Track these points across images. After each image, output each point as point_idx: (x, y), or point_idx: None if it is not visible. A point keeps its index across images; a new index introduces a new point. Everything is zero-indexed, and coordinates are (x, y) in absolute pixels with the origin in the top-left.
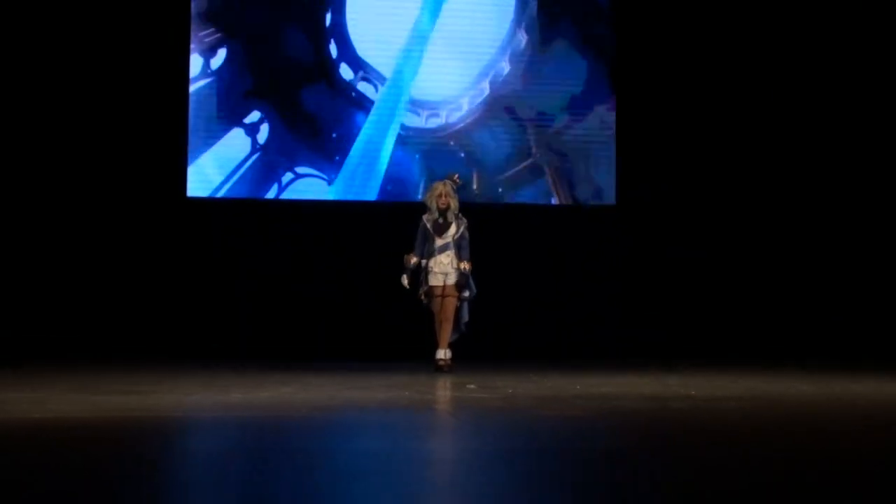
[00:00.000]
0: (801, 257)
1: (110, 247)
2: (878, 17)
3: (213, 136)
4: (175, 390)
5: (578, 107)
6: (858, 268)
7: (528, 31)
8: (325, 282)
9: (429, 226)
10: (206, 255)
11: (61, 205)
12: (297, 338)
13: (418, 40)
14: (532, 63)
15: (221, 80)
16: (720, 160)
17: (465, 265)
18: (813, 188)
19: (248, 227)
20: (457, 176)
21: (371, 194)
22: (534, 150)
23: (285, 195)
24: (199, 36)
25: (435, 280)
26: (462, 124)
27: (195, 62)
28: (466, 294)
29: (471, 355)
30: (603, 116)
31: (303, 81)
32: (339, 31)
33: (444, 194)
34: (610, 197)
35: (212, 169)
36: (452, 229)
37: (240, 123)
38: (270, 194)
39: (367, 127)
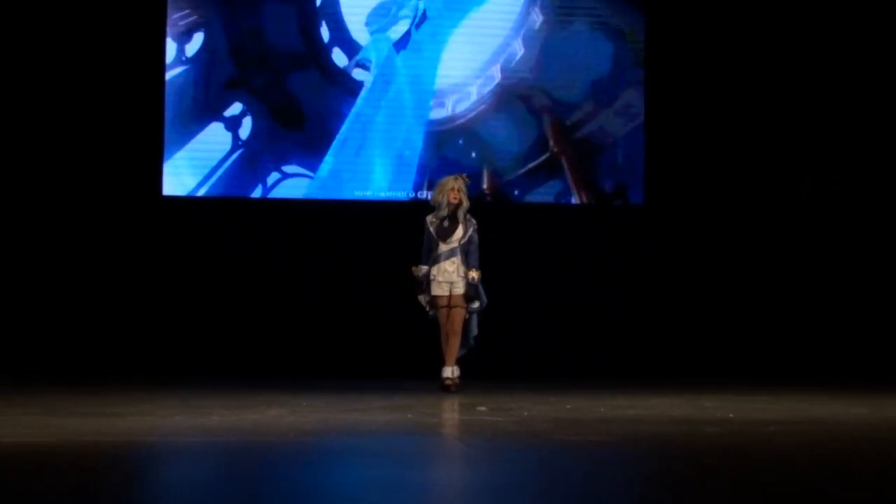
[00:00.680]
0: (848, 265)
1: (76, 252)
2: None
3: (188, 132)
4: (150, 412)
5: (602, 94)
6: None
7: (543, 10)
8: (318, 290)
9: (432, 229)
10: (184, 260)
11: (23, 208)
12: (287, 353)
13: (420, 21)
14: (548, 45)
15: (197, 69)
16: (764, 155)
17: (474, 274)
18: (875, 187)
19: (231, 229)
20: (465, 176)
21: (367, 194)
22: (551, 143)
23: (271, 196)
24: (173, 19)
25: (439, 289)
26: (470, 115)
27: (168, 49)
28: (476, 305)
29: (481, 373)
30: (630, 105)
31: (290, 69)
32: (332, 12)
33: (456, 188)
34: (637, 195)
35: (188, 167)
36: (459, 232)
37: (219, 117)
38: (255, 195)
39: (361, 119)
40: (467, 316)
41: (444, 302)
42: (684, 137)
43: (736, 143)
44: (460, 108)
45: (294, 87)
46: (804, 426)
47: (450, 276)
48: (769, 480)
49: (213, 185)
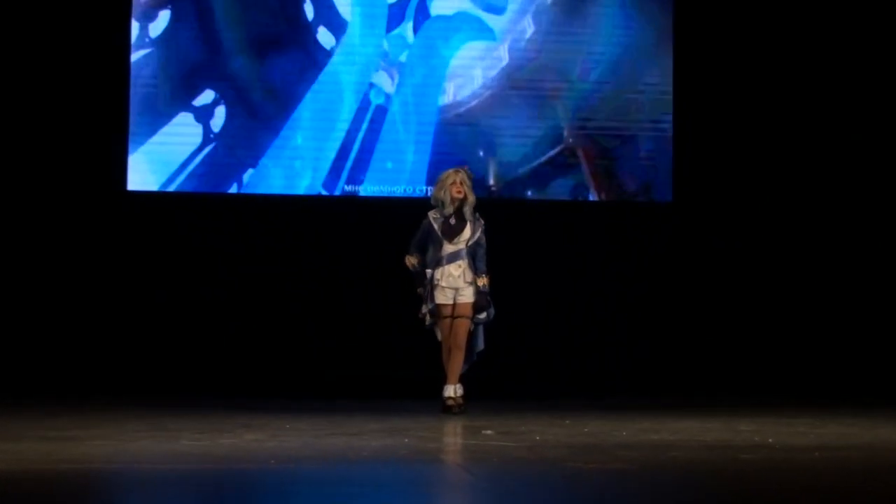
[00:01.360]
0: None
1: (31, 252)
2: None
3: (154, 122)
4: (113, 436)
5: (623, 77)
6: None
7: None
8: (302, 296)
9: (436, 227)
10: (150, 262)
11: None
12: (267, 368)
13: None
14: (561, 23)
15: (163, 52)
16: (808, 149)
17: (483, 281)
18: None
19: (203, 227)
20: (467, 168)
21: (359, 190)
22: (566, 133)
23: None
24: None
25: (443, 297)
26: (474, 102)
27: (130, 29)
28: (483, 316)
29: (488, 392)
30: (656, 89)
31: (269, 51)
32: None
33: (458, 181)
34: (664, 191)
35: (155, 162)
36: (467, 232)
37: (187, 106)
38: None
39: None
40: (472, 328)
41: (448, 311)
42: (719, 125)
43: (781, 132)
44: (463, 94)
45: (273, 71)
46: (853, 452)
47: (455, 281)
48: None
49: (183, 184)
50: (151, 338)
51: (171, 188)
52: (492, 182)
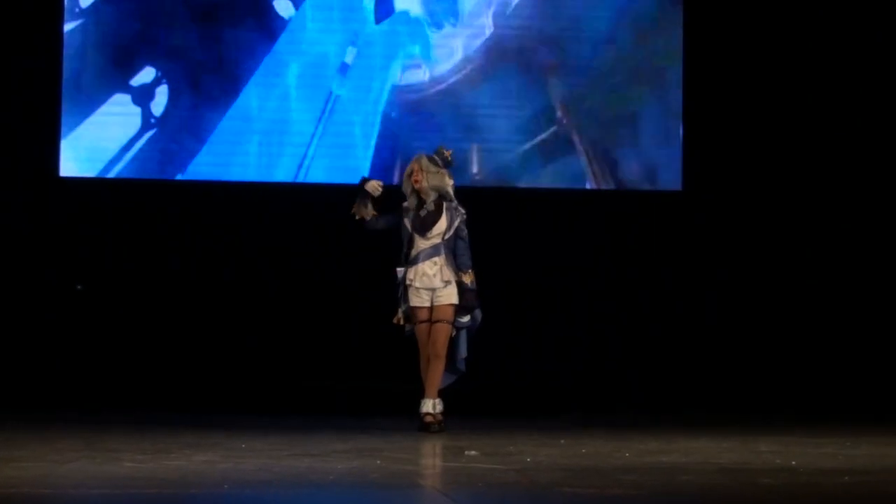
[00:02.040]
0: None
1: None
2: None
3: (87, 104)
4: (43, 456)
5: (625, 47)
6: None
7: None
8: (256, 295)
9: (407, 221)
10: (85, 254)
11: None
12: (219, 379)
13: None
14: None
15: (96, 24)
16: (840, 127)
17: (468, 277)
18: None
19: (145, 217)
20: (448, 152)
21: (320, 176)
22: (559, 112)
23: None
24: None
25: (417, 299)
26: (454, 78)
27: None
28: (466, 319)
29: (471, 407)
30: (662, 60)
31: (221, 23)
32: None
33: (414, 171)
34: (672, 179)
35: (89, 150)
36: (442, 224)
37: (124, 86)
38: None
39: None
40: (454, 333)
41: (424, 315)
42: (736, 102)
43: (807, 109)
44: (441, 69)
45: (224, 46)
46: (885, 476)
47: (430, 280)
48: None
49: (123, 170)
50: (87, 342)
51: (111, 175)
52: (475, 169)
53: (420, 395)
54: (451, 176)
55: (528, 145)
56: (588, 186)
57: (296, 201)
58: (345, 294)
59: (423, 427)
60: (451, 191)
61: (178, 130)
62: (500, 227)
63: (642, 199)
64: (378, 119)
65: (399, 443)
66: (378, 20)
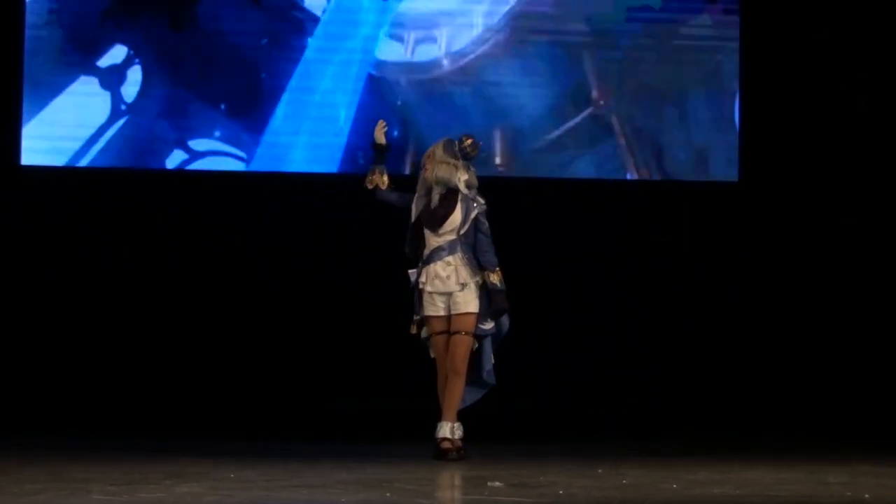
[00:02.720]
0: None
1: None
2: None
3: (49, 87)
4: (2, 488)
5: (670, 16)
6: None
7: None
8: (245, 300)
9: (414, 209)
10: (48, 252)
11: None
12: (204, 398)
13: None
14: None
15: None
16: None
17: (495, 276)
18: None
19: (118, 210)
20: (468, 141)
21: (320, 167)
22: (595, 93)
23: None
24: None
25: (431, 307)
26: (473, 55)
27: None
28: (489, 326)
29: (495, 431)
30: (716, 34)
31: None
32: None
33: (428, 157)
34: (728, 170)
35: (54, 138)
36: (456, 218)
37: (91, 68)
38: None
39: (311, 64)
40: (475, 345)
41: (440, 326)
42: (801, 82)
43: (883, 89)
44: (457, 45)
45: (207, 20)
46: None
47: (445, 284)
48: None
49: (95, 160)
50: (50, 354)
51: (82, 164)
52: (498, 159)
53: (437, 417)
54: (468, 169)
55: (559, 131)
56: (629, 177)
57: (277, 188)
58: (349, 299)
59: (440, 454)
60: (461, 186)
61: (155, 121)
62: (527, 223)
63: (692, 192)
64: (389, 101)
65: (412, 472)
66: None
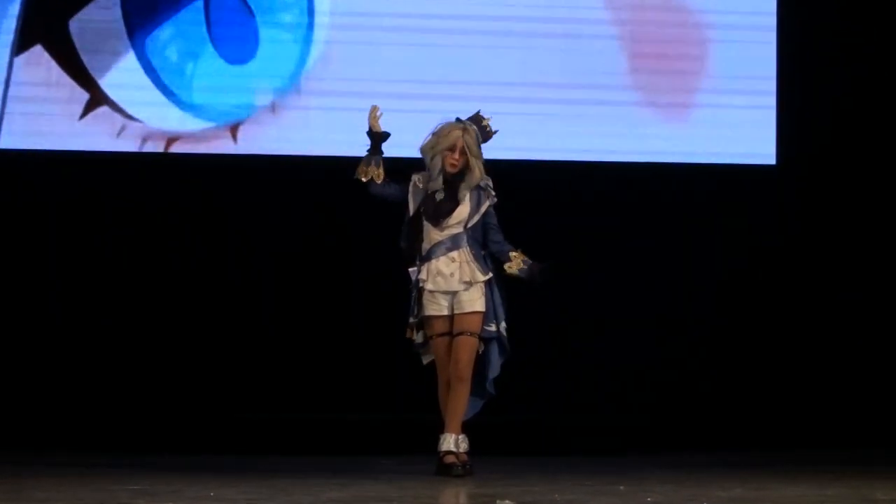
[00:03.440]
0: None
1: None
2: None
3: None
4: None
5: None
6: None
7: None
8: (212, 297)
9: (412, 200)
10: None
11: None
12: (178, 408)
13: None
14: None
15: None
16: None
17: (518, 256)
18: None
19: (61, 191)
20: (486, 120)
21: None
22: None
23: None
24: None
25: (433, 306)
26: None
27: None
28: (493, 328)
29: (503, 443)
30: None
31: None
32: None
33: (459, 148)
34: (764, 151)
35: None
36: (463, 210)
37: None
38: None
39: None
40: (481, 348)
41: (442, 327)
42: (850, 53)
43: None
44: None
45: None
46: None
47: (448, 282)
48: None
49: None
50: (13, 359)
51: None
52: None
53: (439, 429)
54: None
55: (565, 105)
56: (651, 160)
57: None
58: (342, 302)
59: (444, 469)
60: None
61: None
62: (532, 210)
63: (724, 176)
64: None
65: (412, 490)
66: None
